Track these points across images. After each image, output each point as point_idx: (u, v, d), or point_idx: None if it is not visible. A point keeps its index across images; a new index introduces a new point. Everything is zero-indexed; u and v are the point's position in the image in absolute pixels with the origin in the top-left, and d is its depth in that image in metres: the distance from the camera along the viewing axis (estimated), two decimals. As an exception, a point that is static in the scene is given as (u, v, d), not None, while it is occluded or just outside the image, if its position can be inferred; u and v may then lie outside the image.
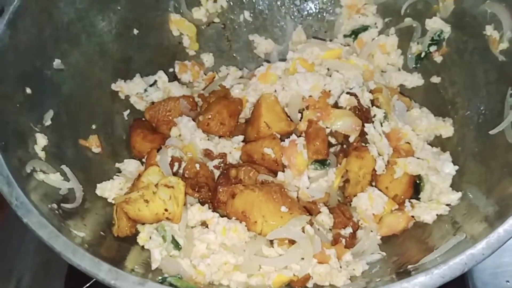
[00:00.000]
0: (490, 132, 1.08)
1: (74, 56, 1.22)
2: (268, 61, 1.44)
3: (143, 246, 1.07)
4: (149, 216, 1.01)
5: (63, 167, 1.08)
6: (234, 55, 1.48)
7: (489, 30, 1.14)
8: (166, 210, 1.00)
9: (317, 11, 1.46)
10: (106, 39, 1.29)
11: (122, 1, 1.31)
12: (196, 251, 1.02)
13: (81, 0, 1.22)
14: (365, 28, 1.37)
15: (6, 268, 1.41)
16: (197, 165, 1.14)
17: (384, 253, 1.09)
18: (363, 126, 1.15)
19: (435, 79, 1.29)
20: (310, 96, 1.20)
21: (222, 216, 1.05)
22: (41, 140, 1.07)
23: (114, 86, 1.31)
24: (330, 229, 1.11)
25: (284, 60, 1.32)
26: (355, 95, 1.16)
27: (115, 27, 1.31)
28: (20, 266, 1.40)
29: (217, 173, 1.18)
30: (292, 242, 1.02)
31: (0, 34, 1.06)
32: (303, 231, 1.01)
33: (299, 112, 1.22)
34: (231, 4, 1.45)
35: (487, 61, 1.16)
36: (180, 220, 1.01)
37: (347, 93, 1.17)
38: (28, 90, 1.09)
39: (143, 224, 1.07)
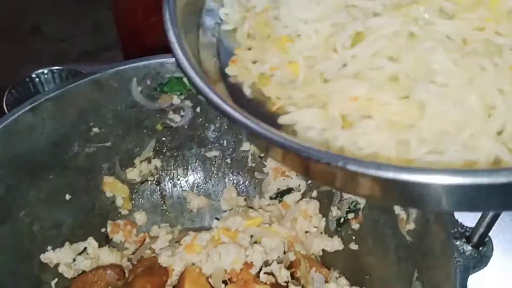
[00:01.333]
0: (399, 317, 1.14)
1: (3, 231, 1.24)
2: (200, 218, 1.51)
3: None
4: None
5: None
6: (167, 211, 1.53)
7: (397, 209, 1.23)
8: None
9: (247, 169, 1.54)
10: (37, 208, 1.32)
11: (55, 170, 1.35)
12: None
13: (12, 176, 1.26)
14: (289, 191, 1.45)
15: None
16: None
17: None
18: (282, 301, 1.20)
19: (354, 246, 1.36)
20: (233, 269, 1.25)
21: None
22: (-41, 333, 1.07)
23: (43, 257, 1.32)
24: None
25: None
26: (273, 274, 1.22)
27: (47, 196, 1.34)
28: None
29: None
30: None
31: None
32: None
33: (223, 282, 1.26)
34: (165, 163, 1.51)
35: (398, 238, 1.23)
36: None
37: (265, 273, 1.23)
38: (-51, 279, 1.11)
39: None
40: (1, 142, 1.24)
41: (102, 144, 1.42)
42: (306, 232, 1.42)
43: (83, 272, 1.35)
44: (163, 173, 1.53)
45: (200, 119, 1.50)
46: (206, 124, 1.51)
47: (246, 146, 1.51)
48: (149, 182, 1.52)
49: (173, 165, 1.53)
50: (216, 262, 1.26)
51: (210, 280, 1.27)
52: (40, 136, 1.31)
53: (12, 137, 1.26)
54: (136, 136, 1.47)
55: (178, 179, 1.54)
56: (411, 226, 1.20)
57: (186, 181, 1.54)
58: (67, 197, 1.39)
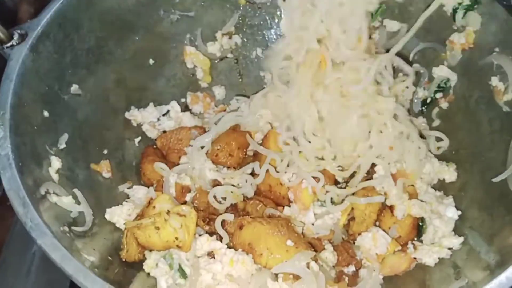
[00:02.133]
0: (493, 180, 1.11)
1: (91, 82, 1.25)
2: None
3: (148, 273, 1.08)
4: (159, 243, 1.03)
5: (75, 190, 1.10)
6: (245, 89, 1.52)
7: (495, 81, 1.18)
8: (176, 238, 1.02)
9: (327, 51, 1.50)
10: (122, 67, 1.33)
11: (140, 32, 1.35)
12: (202, 281, 1.03)
13: (102, 29, 1.26)
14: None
15: None
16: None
17: (385, 293, 1.11)
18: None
19: (440, 125, 1.33)
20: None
21: (229, 247, 1.07)
22: (56, 162, 1.09)
23: (127, 115, 1.34)
24: (333, 266, 1.12)
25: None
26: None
27: (132, 57, 1.34)
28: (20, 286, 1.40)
29: (224, 204, 1.21)
30: (296, 277, 1.03)
31: (23, 57, 1.09)
32: (308, 267, 1.03)
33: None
34: (245, 41, 1.49)
35: (492, 111, 1.19)
36: (189, 249, 1.03)
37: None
38: (46, 113, 1.12)
39: (151, 251, 1.09)
40: (93, -8, 1.23)
41: (186, 14, 1.41)
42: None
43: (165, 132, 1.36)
44: (242, 52, 1.51)
45: (284, -4, 1.47)
46: (289, 3, 1.48)
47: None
48: (229, 59, 1.50)
49: (253, 44, 1.50)
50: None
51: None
52: (129, -7, 1.30)
53: (103, -12, 1.25)
54: (219, 9, 1.44)
55: (257, 58, 1.51)
56: (509, 96, 1.16)
57: (263, 61, 1.51)
58: (151, 61, 1.39)
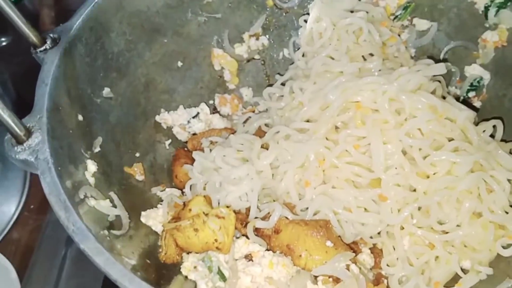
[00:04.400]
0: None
1: (122, 85, 1.25)
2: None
3: (186, 276, 1.07)
4: (198, 244, 1.03)
5: (111, 193, 1.09)
6: (272, 90, 1.51)
7: (530, 75, 1.18)
8: (216, 240, 1.01)
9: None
10: (151, 70, 1.33)
11: (168, 34, 1.35)
12: (241, 284, 1.02)
13: (131, 32, 1.26)
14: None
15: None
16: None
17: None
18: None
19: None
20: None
21: (267, 250, 1.06)
22: (91, 166, 1.08)
23: (158, 118, 1.34)
24: (370, 269, 1.11)
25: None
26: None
27: (161, 59, 1.34)
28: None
29: (259, 206, 1.20)
30: (336, 280, 1.02)
31: (57, 61, 1.09)
32: (348, 269, 1.02)
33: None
34: (272, 42, 1.48)
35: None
36: (229, 251, 1.03)
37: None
38: (80, 117, 1.11)
39: (188, 253, 1.08)
40: (123, -5, 1.23)
41: (213, 15, 1.40)
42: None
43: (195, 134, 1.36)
44: (269, 53, 1.50)
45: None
46: (317, 4, 1.47)
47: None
48: (256, 61, 1.49)
49: (280, 45, 1.49)
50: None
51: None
52: (158, -5, 1.30)
53: (132, -9, 1.25)
54: (246, 10, 1.44)
55: (284, 59, 1.50)
56: (545, 94, 1.15)
57: (290, 61, 1.50)
58: (179, 64, 1.39)
